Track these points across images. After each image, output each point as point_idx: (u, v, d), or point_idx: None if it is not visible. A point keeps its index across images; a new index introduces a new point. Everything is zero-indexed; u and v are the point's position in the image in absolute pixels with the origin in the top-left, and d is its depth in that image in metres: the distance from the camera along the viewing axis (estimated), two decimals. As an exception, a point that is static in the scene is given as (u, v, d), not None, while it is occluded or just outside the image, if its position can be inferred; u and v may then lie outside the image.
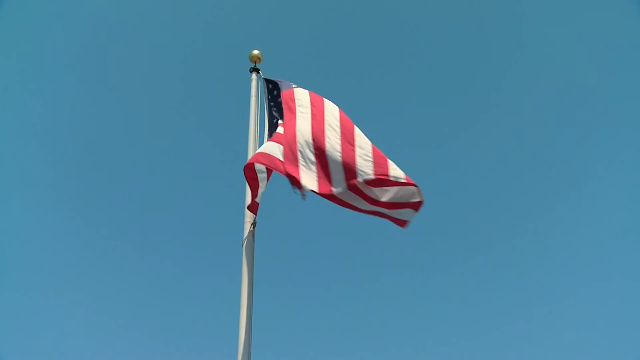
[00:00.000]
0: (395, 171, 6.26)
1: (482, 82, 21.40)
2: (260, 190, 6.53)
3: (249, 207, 6.55)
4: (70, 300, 16.81)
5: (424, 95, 21.54)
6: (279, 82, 7.80)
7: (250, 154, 7.08)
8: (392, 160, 6.31)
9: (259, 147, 7.05)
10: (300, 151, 6.42)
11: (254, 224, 6.55)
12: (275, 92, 7.83)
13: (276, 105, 7.69)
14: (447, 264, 19.22)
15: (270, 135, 7.28)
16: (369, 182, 6.31)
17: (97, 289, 17.26)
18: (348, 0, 21.67)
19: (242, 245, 6.42)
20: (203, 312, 17.40)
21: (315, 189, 6.14)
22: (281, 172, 6.21)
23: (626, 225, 17.75)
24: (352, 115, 7.14)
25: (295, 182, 6.09)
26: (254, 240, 6.45)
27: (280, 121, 7.27)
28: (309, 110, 6.94)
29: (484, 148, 20.84)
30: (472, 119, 21.11)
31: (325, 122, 6.76)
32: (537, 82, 20.63)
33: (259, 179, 6.50)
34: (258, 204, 6.54)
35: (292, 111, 6.99)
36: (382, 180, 6.27)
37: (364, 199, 6.47)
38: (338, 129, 6.68)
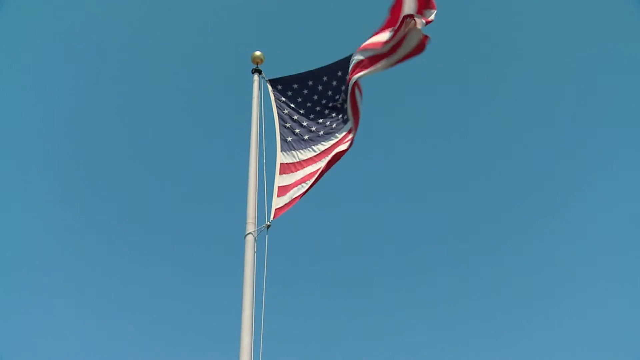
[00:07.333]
0: None
1: (482, 81, 21.42)
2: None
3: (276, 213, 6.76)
4: (70, 300, 16.83)
5: (425, 94, 21.55)
6: (288, 81, 7.86)
7: (253, 153, 7.13)
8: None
9: (260, 147, 7.18)
10: None
11: (268, 226, 6.58)
12: (282, 96, 7.86)
13: (287, 107, 7.76)
14: (449, 264, 19.26)
15: (281, 136, 7.43)
16: None
17: (98, 288, 17.28)
18: (349, 0, 21.67)
19: (244, 245, 6.38)
20: (206, 312, 17.42)
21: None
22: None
23: (626, 226, 17.78)
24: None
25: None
26: (256, 240, 6.42)
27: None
28: None
29: (483, 148, 20.86)
30: (472, 118, 21.13)
31: None
32: (536, 82, 20.65)
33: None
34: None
35: None
36: None
37: None
38: None
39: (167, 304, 17.65)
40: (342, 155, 7.07)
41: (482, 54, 21.53)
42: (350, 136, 7.13)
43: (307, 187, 6.87)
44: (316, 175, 6.92)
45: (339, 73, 7.70)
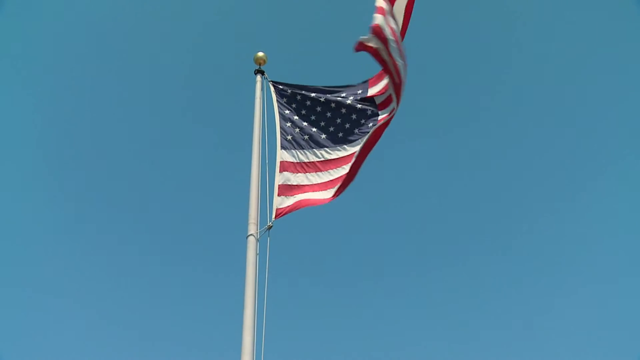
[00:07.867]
0: None
1: (481, 81, 21.45)
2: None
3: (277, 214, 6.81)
4: (71, 300, 16.85)
5: (424, 94, 21.55)
6: (289, 88, 7.94)
7: (255, 155, 7.16)
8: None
9: (263, 148, 7.24)
10: None
11: (269, 227, 6.61)
12: (284, 96, 7.90)
13: (288, 107, 7.80)
14: (450, 263, 19.30)
15: (282, 134, 7.49)
16: None
17: (100, 288, 17.29)
18: (351, 2, 21.68)
19: (246, 245, 6.39)
20: (208, 312, 17.45)
21: None
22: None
23: (626, 226, 17.81)
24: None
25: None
26: (258, 241, 6.43)
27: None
28: None
29: (482, 148, 20.89)
30: (473, 117, 21.16)
31: None
32: (536, 82, 20.67)
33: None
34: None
35: None
36: None
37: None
38: None
39: (169, 304, 17.70)
40: (382, 131, 7.03)
41: (482, 54, 21.58)
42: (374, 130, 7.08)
43: (319, 199, 6.95)
44: (335, 188, 6.96)
45: (343, 94, 7.78)
